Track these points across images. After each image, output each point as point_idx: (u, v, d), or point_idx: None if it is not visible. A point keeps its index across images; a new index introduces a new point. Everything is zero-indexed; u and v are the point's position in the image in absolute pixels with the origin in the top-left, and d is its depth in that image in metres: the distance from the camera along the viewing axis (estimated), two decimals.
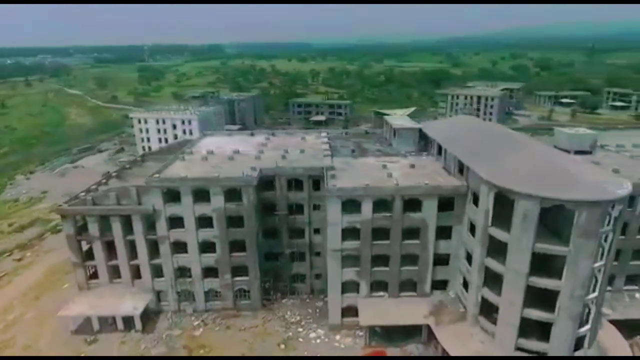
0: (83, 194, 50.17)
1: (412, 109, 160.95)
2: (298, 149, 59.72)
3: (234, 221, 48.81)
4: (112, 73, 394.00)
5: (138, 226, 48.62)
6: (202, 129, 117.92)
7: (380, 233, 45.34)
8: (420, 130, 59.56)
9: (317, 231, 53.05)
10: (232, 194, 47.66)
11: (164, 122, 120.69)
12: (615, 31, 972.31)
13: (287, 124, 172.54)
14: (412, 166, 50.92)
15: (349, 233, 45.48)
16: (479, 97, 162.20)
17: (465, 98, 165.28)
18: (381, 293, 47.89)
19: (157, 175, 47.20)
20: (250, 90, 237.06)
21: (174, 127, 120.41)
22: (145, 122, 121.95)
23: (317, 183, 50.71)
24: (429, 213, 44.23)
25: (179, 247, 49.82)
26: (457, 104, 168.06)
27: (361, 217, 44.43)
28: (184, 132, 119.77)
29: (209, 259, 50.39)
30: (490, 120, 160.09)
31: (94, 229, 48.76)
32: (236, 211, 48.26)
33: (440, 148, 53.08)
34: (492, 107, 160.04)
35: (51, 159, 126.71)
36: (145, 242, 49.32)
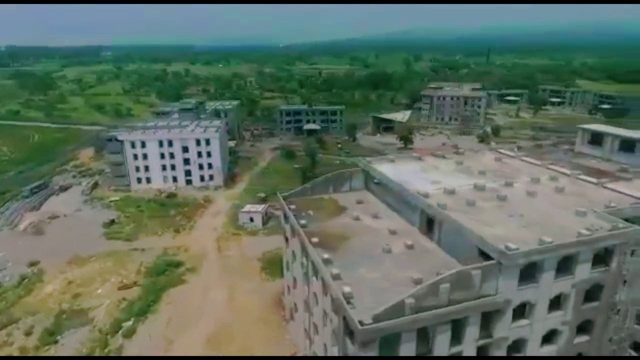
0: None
1: (409, 112, 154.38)
2: (543, 176, 45.50)
3: (588, 296, 33.27)
4: None
5: (472, 330, 29.71)
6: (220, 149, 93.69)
7: None
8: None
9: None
10: (596, 258, 32.16)
11: (170, 144, 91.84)
12: (485, 34, 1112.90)
13: (271, 135, 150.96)
14: None
15: None
16: (465, 98, 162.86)
17: (452, 99, 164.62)
18: None
19: (514, 247, 28.91)
20: (189, 98, 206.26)
21: (185, 149, 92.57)
22: (143, 145, 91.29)
23: None
24: None
25: (516, 347, 32.26)
26: (442, 106, 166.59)
27: None
28: (199, 154, 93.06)
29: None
30: (477, 120, 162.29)
31: (409, 347, 28.22)
32: (596, 281, 32.82)
33: None
34: (479, 107, 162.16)
35: None
36: (475, 352, 30.53)
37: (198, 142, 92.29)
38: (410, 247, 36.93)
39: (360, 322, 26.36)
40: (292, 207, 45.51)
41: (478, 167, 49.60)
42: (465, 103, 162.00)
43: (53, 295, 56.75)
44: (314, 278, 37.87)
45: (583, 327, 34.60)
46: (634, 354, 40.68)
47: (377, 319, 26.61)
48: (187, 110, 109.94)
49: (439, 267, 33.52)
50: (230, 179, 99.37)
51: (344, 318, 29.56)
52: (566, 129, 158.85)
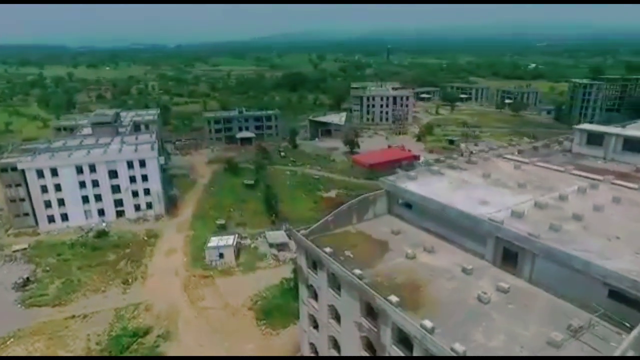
0: None
1: (344, 114, 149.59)
2: (583, 185, 42.33)
3: None
4: None
5: None
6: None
7: None
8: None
9: None
10: None
11: (93, 169, 72.99)
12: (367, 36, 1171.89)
13: (197, 146, 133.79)
14: None
15: None
16: (394, 98, 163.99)
17: (381, 99, 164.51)
18: None
19: None
20: (88, 107, 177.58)
21: (113, 175, 74.52)
22: (54, 173, 70.98)
23: None
24: None
25: None
26: (372, 106, 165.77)
27: None
28: (133, 179, 75.95)
29: None
30: (406, 118, 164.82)
31: None
32: None
33: None
34: (407, 106, 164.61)
35: None
36: None
37: (130, 165, 74.93)
38: (506, 291, 30.15)
39: None
40: (328, 249, 35.64)
41: (508, 178, 44.73)
42: (394, 102, 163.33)
43: None
44: (397, 348, 29.00)
45: None
46: None
47: None
48: (104, 125, 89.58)
49: (558, 317, 27.12)
50: (171, 205, 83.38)
51: None
52: (486, 124, 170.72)
